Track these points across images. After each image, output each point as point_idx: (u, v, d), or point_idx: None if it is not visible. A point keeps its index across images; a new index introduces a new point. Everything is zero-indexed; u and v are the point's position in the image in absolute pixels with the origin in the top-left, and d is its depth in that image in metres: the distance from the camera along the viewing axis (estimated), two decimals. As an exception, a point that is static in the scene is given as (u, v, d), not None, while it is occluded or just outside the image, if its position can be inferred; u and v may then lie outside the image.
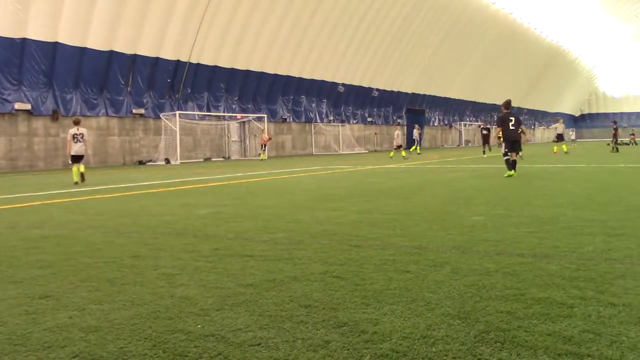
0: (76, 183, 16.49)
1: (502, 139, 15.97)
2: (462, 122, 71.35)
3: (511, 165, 15.54)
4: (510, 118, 15.70)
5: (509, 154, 15.67)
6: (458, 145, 68.87)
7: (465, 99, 69.41)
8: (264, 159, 35.23)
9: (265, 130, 38.46)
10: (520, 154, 15.52)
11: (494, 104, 76.07)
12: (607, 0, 73.10)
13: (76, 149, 16.89)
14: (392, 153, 32.86)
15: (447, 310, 3.65)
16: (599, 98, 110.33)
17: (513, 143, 15.75)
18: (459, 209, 8.84)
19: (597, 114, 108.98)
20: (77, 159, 16.84)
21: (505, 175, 15.37)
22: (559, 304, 3.72)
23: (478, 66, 66.75)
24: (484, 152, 33.76)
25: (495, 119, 16.59)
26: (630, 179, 14.49)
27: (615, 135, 38.60)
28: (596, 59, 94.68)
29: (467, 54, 62.93)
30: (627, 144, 50.70)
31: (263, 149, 36.46)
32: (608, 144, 50.86)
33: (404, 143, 34.39)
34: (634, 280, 4.26)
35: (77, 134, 16.99)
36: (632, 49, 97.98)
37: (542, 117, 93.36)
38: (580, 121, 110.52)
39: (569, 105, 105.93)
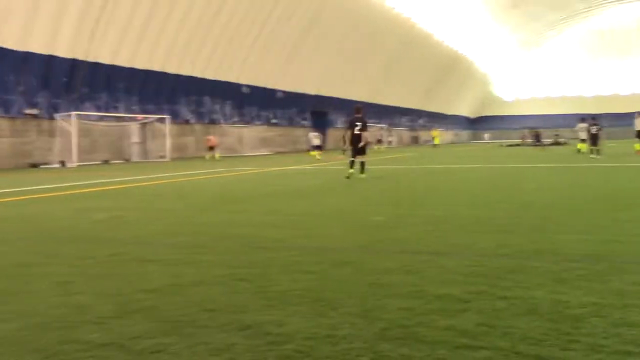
0: None
1: (349, 142, 16.26)
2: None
3: (357, 166, 15.80)
4: (357, 123, 16.07)
5: (355, 156, 16.00)
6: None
7: (368, 101, 70.85)
8: (217, 159, 34.68)
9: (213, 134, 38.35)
10: (363, 159, 15.88)
11: (396, 107, 78.16)
12: (498, 10, 76.82)
13: None
14: (314, 153, 31.67)
15: (349, 309, 3.70)
16: (493, 101, 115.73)
17: (356, 146, 16.04)
18: (361, 209, 9.01)
19: (492, 117, 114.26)
20: None
21: (357, 176, 15.53)
22: (456, 299, 3.86)
23: (379, 69, 68.29)
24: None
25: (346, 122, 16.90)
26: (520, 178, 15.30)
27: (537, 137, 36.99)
28: (489, 64, 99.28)
29: (369, 57, 64.24)
30: (518, 145, 53.39)
31: (213, 150, 36.15)
32: (501, 145, 53.48)
33: (323, 144, 33.69)
34: (523, 274, 4.49)
35: None
36: (521, 55, 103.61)
37: (441, 120, 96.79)
38: (476, 123, 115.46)
39: (466, 108, 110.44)
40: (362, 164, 15.99)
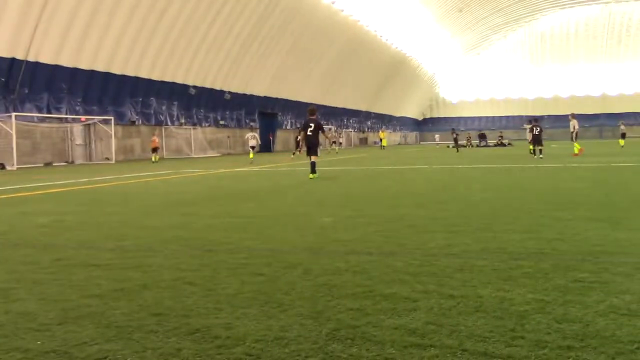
0: None
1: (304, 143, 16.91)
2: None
3: (312, 167, 16.27)
4: (310, 124, 16.55)
5: (310, 157, 16.50)
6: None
7: (317, 102, 71.21)
8: (156, 161, 34.78)
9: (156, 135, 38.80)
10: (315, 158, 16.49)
11: (345, 108, 78.66)
12: (443, 14, 78.25)
13: None
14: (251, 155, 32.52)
15: (299, 310, 3.70)
16: (439, 103, 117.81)
17: (310, 148, 16.56)
18: (311, 211, 9.02)
19: (438, 118, 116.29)
20: None
21: (309, 177, 16.06)
22: (405, 298, 3.91)
23: (328, 71, 68.60)
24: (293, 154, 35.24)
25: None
26: (469, 178, 15.62)
27: (456, 140, 46.22)
28: (435, 66, 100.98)
29: (318, 59, 64.44)
30: (463, 146, 54.42)
31: (156, 152, 36.33)
32: (449, 146, 54.51)
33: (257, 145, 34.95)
34: (470, 273, 4.58)
35: None
36: (466, 58, 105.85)
37: (389, 121, 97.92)
38: (423, 125, 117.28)
39: (413, 110, 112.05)
40: (313, 164, 16.24)
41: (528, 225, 6.89)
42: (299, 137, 17.02)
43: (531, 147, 28.80)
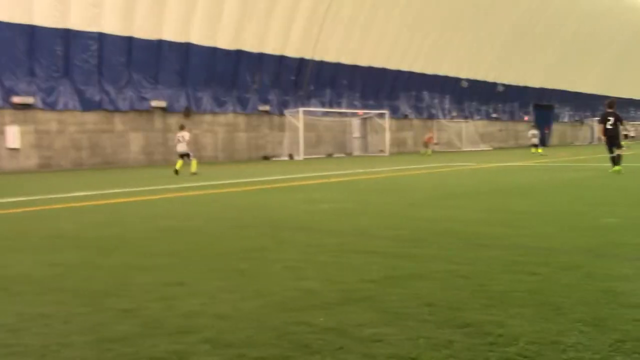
0: (176, 172, 19.16)
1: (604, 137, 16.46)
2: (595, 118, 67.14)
3: (614, 160, 15.78)
4: (609, 118, 15.95)
5: (611, 151, 16.03)
6: (590, 143, 64.99)
7: (599, 93, 65.55)
8: (429, 155, 36.32)
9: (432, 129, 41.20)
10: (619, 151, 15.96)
11: (632, 99, 71.20)
12: None
13: (179, 148, 20.61)
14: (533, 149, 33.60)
15: (579, 316, 3.46)
16: None
17: (611, 139, 15.94)
18: (593, 210, 8.37)
19: None
20: (180, 155, 20.44)
21: (610, 170, 15.50)
22: None
23: (613, 60, 62.69)
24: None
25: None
26: None
27: None
28: None
29: (600, 47, 59.25)
30: None
31: (428, 146, 38.37)
32: None
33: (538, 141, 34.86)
34: None
35: (179, 136, 20.75)
36: None
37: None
38: None
39: None
40: (617, 157, 15.85)
41: None
42: (599, 131, 16.71)
43: None
